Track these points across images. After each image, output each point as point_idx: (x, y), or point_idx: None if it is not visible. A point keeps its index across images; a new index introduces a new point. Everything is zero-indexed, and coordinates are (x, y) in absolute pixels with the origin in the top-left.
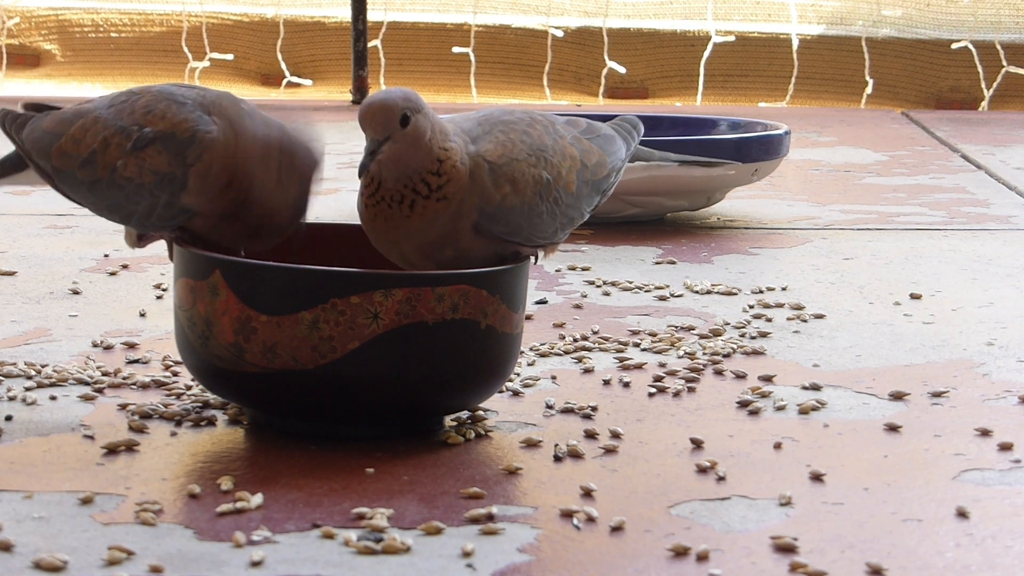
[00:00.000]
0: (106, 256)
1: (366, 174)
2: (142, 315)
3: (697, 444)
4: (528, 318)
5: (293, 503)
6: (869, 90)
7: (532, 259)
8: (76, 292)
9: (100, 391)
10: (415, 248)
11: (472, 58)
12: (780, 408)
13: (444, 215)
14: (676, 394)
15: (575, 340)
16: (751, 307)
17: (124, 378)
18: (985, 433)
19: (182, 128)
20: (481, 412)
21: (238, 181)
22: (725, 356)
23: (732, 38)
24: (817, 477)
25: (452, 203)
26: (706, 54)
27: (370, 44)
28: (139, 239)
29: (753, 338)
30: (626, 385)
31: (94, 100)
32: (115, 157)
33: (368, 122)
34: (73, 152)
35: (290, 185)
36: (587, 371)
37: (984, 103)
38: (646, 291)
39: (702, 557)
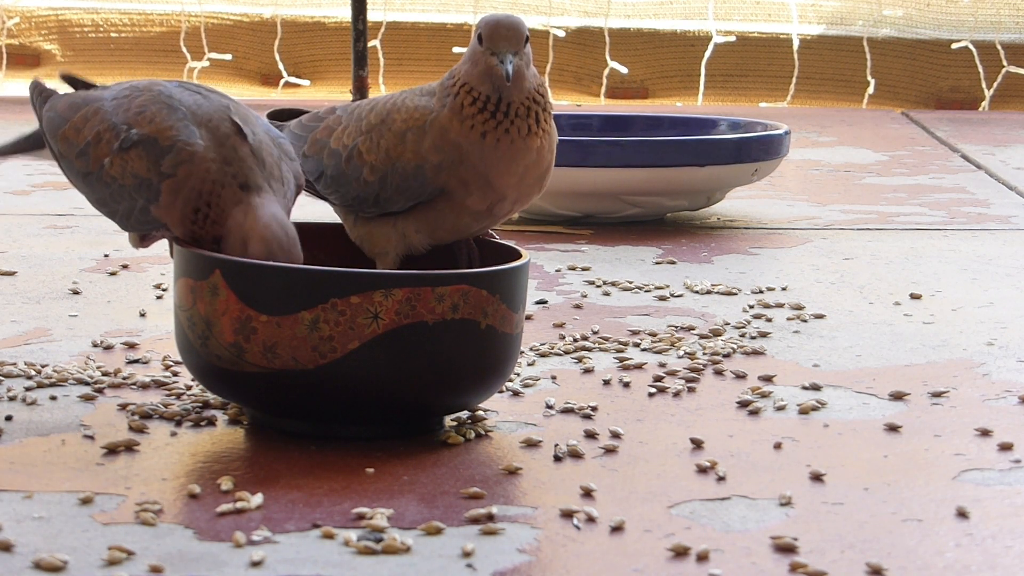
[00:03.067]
0: (106, 256)
1: (485, 99)
2: (142, 315)
3: (697, 444)
4: (528, 318)
5: (293, 503)
6: (870, 90)
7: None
8: (76, 292)
9: (100, 391)
10: (536, 178)
11: None
12: (780, 408)
13: (554, 134)
14: (676, 394)
15: (575, 340)
16: (751, 307)
17: (124, 378)
18: (985, 433)
19: (165, 135)
20: (481, 412)
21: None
22: (725, 356)
23: (733, 38)
24: (817, 477)
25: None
26: (707, 54)
27: (370, 44)
28: (142, 239)
29: (753, 338)
30: (626, 385)
31: (109, 88)
32: (104, 153)
33: (505, 36)
34: (73, 140)
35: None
36: (587, 371)
37: (985, 103)
38: (646, 291)
39: (702, 557)
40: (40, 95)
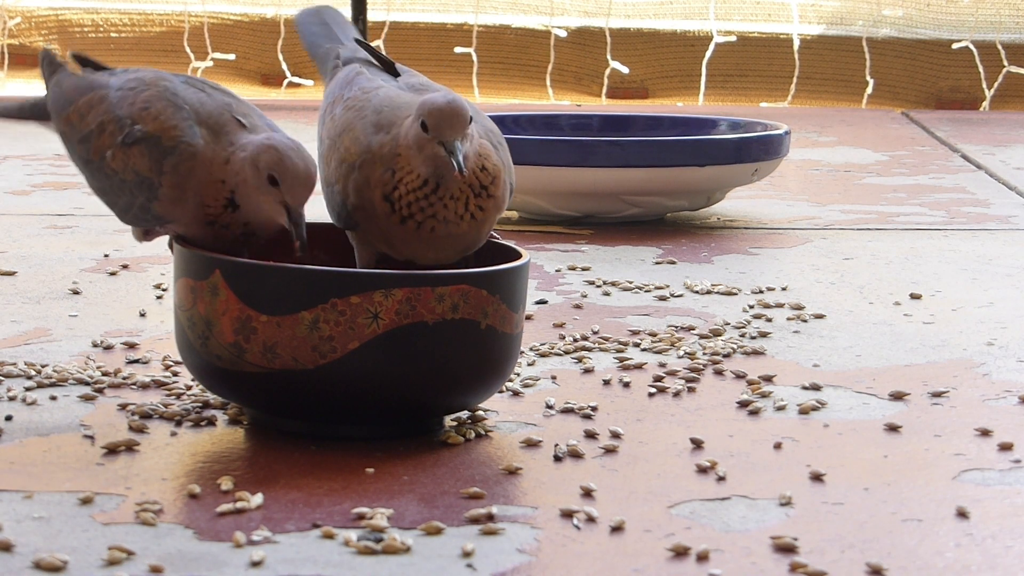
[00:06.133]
0: (106, 256)
1: (423, 182)
2: (142, 315)
3: (697, 444)
4: (528, 318)
5: (293, 503)
6: (870, 90)
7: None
8: (76, 292)
9: (100, 391)
10: (455, 252)
11: (474, 58)
12: (780, 408)
13: (492, 215)
14: (676, 394)
15: (575, 340)
16: (751, 307)
17: (124, 378)
18: (985, 433)
19: (168, 135)
20: (481, 412)
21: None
22: (725, 356)
23: (733, 38)
24: (817, 477)
25: (497, 200)
26: (707, 54)
27: (371, 44)
28: (145, 233)
29: (753, 338)
30: (626, 385)
31: (115, 75)
32: (106, 145)
33: (456, 122)
34: (77, 124)
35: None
36: (587, 371)
37: (985, 103)
38: (646, 291)
39: (702, 557)
40: (50, 66)
